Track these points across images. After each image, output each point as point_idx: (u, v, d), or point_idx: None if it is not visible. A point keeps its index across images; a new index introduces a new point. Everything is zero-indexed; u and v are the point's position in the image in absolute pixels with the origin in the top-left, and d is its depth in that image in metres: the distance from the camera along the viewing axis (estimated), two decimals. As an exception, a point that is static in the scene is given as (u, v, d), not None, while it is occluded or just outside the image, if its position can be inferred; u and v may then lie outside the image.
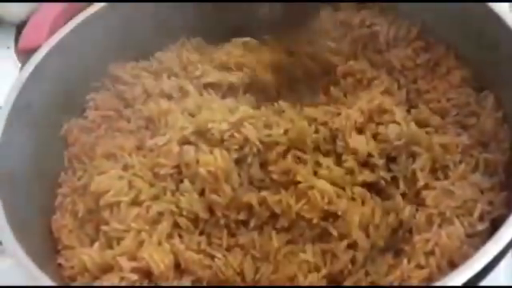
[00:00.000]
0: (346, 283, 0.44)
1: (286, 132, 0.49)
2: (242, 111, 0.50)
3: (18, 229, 0.44)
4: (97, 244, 0.47)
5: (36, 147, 0.51)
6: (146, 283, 0.44)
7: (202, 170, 0.46)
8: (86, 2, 0.58)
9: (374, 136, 0.48)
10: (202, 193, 0.47)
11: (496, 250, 0.36)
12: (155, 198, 0.47)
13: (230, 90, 0.56)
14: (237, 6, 0.60)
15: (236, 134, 0.48)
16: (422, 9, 0.54)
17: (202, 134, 0.49)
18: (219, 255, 0.45)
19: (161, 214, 0.47)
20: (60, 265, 0.48)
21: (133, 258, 0.44)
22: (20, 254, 0.42)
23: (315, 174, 0.47)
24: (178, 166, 0.48)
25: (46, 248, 0.49)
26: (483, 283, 0.37)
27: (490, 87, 0.51)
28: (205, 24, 0.61)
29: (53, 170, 0.53)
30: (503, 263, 0.39)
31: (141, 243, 0.45)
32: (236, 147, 0.48)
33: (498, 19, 0.48)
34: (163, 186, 0.48)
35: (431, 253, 0.43)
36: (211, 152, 0.47)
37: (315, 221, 0.45)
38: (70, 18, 0.57)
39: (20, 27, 0.72)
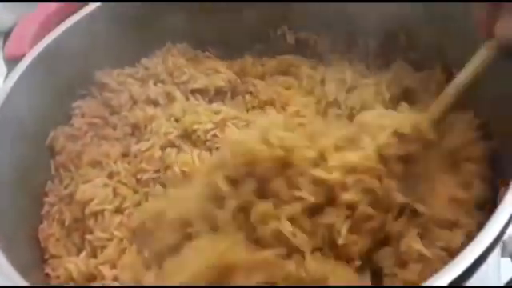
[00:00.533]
0: None
1: None
2: (225, 112, 0.50)
3: (4, 239, 0.44)
4: (84, 253, 0.47)
5: (22, 156, 0.51)
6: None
7: (177, 170, 0.46)
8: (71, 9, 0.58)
9: None
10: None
11: (479, 250, 0.36)
12: (138, 204, 0.47)
13: (217, 95, 0.57)
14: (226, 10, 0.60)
15: (218, 134, 0.48)
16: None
17: (188, 136, 0.49)
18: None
19: (143, 220, 0.46)
20: (47, 274, 0.47)
21: (114, 266, 0.44)
22: (5, 265, 0.41)
23: None
24: (159, 171, 0.48)
25: (32, 258, 0.49)
26: (472, 280, 0.37)
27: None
28: (193, 29, 0.61)
29: (39, 178, 0.53)
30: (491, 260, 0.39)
31: (123, 251, 0.45)
32: (218, 146, 0.47)
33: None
34: (145, 192, 0.48)
35: None
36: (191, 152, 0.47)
37: None
38: (55, 26, 0.57)
39: (8, 35, 0.72)
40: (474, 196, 0.45)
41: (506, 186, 0.40)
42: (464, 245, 0.38)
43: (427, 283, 0.35)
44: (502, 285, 0.50)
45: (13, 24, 0.73)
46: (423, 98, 0.52)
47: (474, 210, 0.44)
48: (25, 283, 0.39)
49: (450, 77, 0.52)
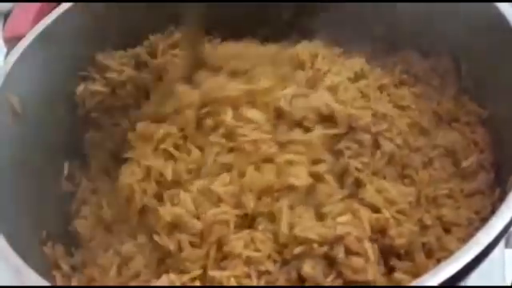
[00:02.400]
0: None
1: None
2: None
3: (3, 220, 0.43)
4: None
5: (21, 137, 0.50)
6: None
7: None
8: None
9: None
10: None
11: (487, 240, 0.35)
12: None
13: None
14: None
15: None
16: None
17: None
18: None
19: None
20: (46, 255, 0.47)
21: None
22: (4, 246, 0.41)
23: None
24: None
25: (31, 239, 0.48)
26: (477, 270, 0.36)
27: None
28: (195, 13, 0.60)
29: (38, 159, 0.52)
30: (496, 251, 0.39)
31: None
32: None
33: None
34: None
35: None
36: None
37: None
38: (56, 6, 0.56)
39: (7, 16, 0.71)
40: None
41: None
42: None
43: (436, 270, 0.34)
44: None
45: (13, 5, 0.72)
46: (431, 84, 0.51)
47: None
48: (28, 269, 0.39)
49: (457, 63, 0.52)
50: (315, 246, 0.40)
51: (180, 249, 0.42)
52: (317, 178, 0.43)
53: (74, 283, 0.46)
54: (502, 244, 0.51)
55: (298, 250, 0.40)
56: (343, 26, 0.58)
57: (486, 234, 0.36)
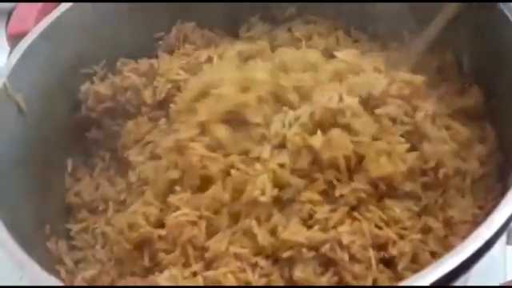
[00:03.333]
0: None
1: None
2: None
3: (7, 214, 0.43)
4: None
5: (25, 134, 0.51)
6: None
7: None
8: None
9: None
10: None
11: (488, 234, 0.35)
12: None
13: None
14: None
15: None
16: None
17: None
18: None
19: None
20: (49, 249, 0.48)
21: None
22: (8, 241, 0.41)
23: None
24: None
25: (35, 235, 0.48)
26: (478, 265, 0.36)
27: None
28: (200, 11, 0.60)
29: (41, 156, 0.52)
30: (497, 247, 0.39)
31: None
32: None
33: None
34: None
35: None
36: None
37: None
38: (59, 4, 0.56)
39: (11, 14, 0.71)
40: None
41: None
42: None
43: (437, 264, 0.34)
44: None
45: (16, 4, 0.72)
46: (434, 79, 0.51)
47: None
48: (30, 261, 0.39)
49: (459, 59, 0.52)
50: (304, 250, 0.39)
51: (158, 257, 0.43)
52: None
53: (77, 280, 0.46)
54: (503, 241, 0.51)
55: (286, 254, 0.40)
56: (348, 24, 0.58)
57: (487, 228, 0.36)
